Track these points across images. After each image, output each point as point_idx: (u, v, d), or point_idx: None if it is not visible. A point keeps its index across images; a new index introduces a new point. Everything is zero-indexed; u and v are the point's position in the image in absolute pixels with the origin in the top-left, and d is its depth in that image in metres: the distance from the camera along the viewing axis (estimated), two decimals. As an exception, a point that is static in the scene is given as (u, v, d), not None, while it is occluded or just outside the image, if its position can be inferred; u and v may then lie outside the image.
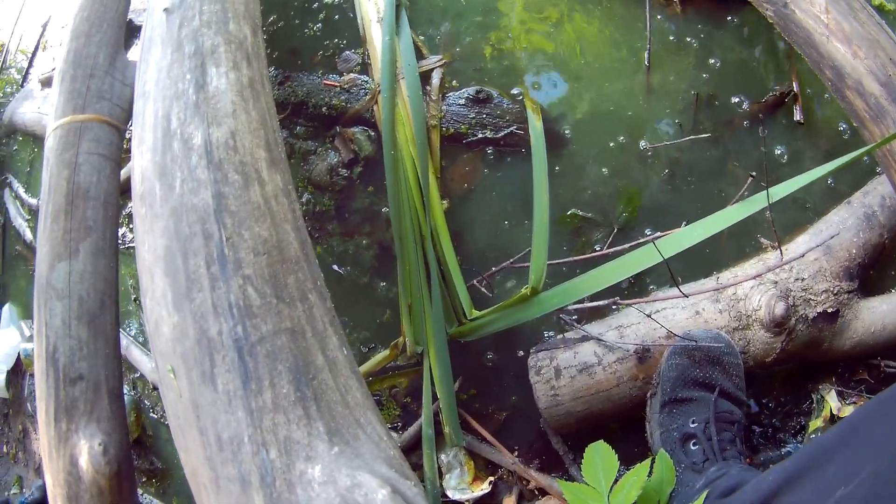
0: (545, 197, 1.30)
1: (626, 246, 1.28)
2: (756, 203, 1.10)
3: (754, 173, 1.30)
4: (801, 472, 0.80)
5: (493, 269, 1.37)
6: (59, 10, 2.16)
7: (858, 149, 1.03)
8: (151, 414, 1.68)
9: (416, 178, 1.36)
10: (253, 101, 1.04)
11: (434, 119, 1.45)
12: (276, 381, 0.78)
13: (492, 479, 1.34)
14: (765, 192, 1.08)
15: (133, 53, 1.43)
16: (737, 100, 1.39)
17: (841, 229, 1.25)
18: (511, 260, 1.36)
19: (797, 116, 1.36)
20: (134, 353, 1.67)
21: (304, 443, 0.74)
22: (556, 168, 1.41)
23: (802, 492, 0.78)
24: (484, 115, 1.45)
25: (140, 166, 0.98)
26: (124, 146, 1.35)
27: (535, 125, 1.39)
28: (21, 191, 2.05)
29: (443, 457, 1.35)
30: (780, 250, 1.22)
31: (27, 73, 2.15)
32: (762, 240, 1.30)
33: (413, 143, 1.37)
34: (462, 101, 1.46)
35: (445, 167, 1.45)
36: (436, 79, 1.49)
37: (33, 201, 1.97)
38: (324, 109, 1.52)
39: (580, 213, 1.38)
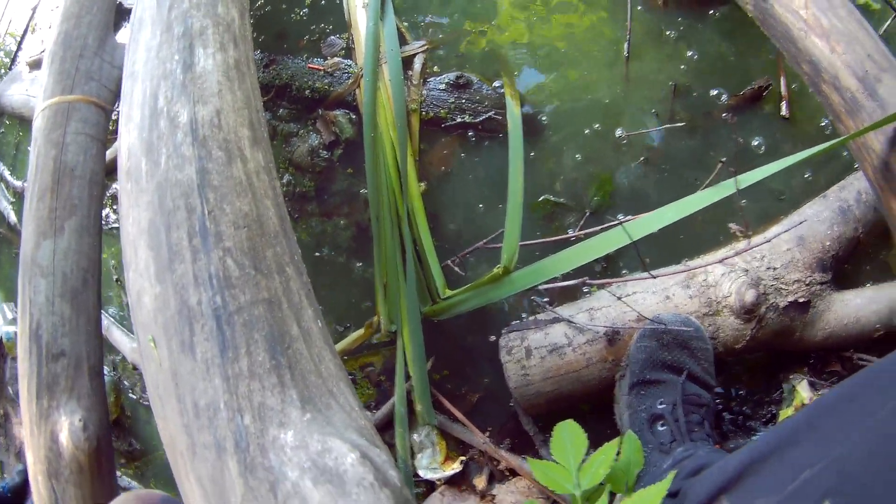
0: (520, 181, 1.32)
1: (597, 228, 1.29)
2: (726, 188, 1.11)
3: (724, 159, 1.32)
4: (767, 455, 0.80)
5: (467, 250, 1.40)
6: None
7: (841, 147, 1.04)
8: (131, 395, 1.69)
9: (394, 160, 1.38)
10: (238, 82, 1.06)
11: (414, 103, 1.47)
12: (252, 350, 0.80)
13: (463, 458, 1.35)
14: (735, 178, 1.10)
15: (122, 36, 1.45)
16: (715, 92, 1.40)
17: (814, 220, 1.26)
18: (485, 240, 1.39)
19: (783, 111, 1.37)
20: (115, 335, 1.69)
21: (278, 409, 0.76)
22: (532, 154, 1.43)
23: (767, 473, 0.79)
24: (463, 100, 1.47)
25: (127, 143, 1.00)
26: (110, 127, 1.37)
27: (514, 111, 1.41)
28: (6, 173, 2.06)
29: (415, 436, 1.37)
30: (748, 234, 1.24)
31: (16, 55, 2.16)
32: (731, 225, 1.32)
33: (393, 127, 1.40)
34: (442, 86, 1.48)
35: (424, 150, 1.48)
36: (418, 64, 1.51)
37: (18, 184, 1.98)
38: (307, 92, 1.54)
39: (553, 199, 1.40)
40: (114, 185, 1.73)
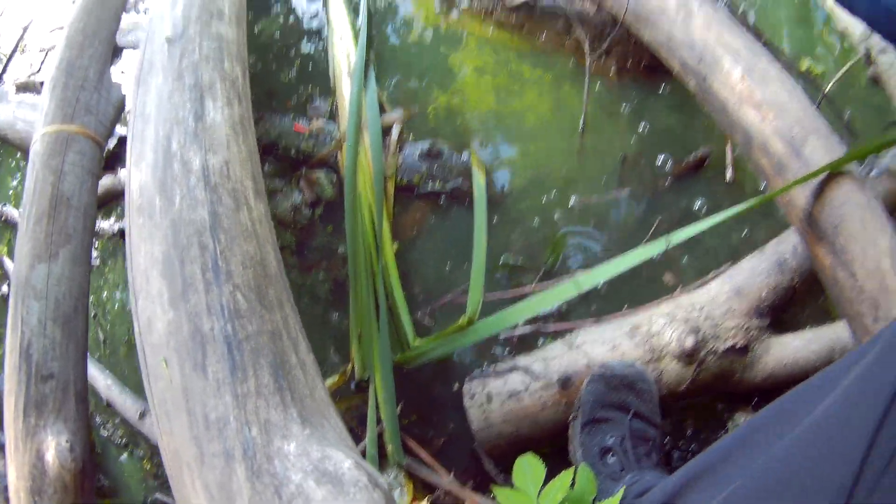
0: (483, 243, 1.46)
1: (552, 282, 1.43)
2: (660, 245, 1.24)
3: (660, 217, 1.47)
4: (703, 471, 0.88)
5: (435, 303, 1.51)
6: (41, 14, 2.19)
7: (777, 206, 1.13)
8: (102, 431, 1.70)
9: (371, 221, 1.49)
10: (242, 137, 1.17)
11: (391, 169, 1.58)
12: (258, 373, 0.89)
13: (430, 496, 1.41)
14: (669, 235, 1.23)
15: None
16: (662, 159, 1.54)
17: (751, 273, 1.35)
18: (451, 294, 1.50)
19: (728, 176, 1.50)
20: (90, 370, 1.68)
21: (281, 424, 0.85)
22: (495, 218, 1.55)
23: (702, 488, 0.86)
24: (434, 168, 1.59)
25: (138, 181, 1.09)
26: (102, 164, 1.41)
27: (479, 181, 1.55)
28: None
29: (384, 478, 1.44)
30: (680, 283, 1.37)
31: (1, 76, 2.14)
32: (666, 275, 1.45)
33: (371, 190, 1.51)
34: (416, 155, 1.60)
35: (398, 213, 1.59)
36: (395, 132, 1.62)
37: (-1, 208, 1.98)
38: (292, 152, 1.64)
39: (512, 261, 1.53)
40: (100, 222, 1.78)
